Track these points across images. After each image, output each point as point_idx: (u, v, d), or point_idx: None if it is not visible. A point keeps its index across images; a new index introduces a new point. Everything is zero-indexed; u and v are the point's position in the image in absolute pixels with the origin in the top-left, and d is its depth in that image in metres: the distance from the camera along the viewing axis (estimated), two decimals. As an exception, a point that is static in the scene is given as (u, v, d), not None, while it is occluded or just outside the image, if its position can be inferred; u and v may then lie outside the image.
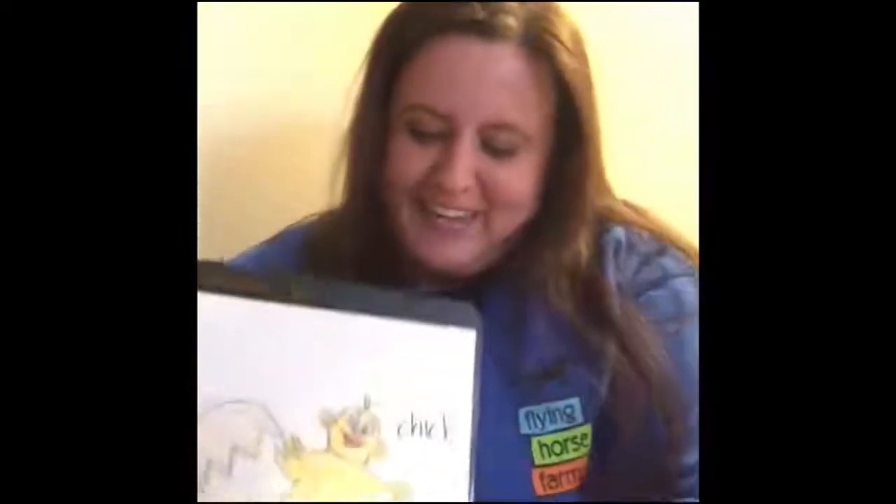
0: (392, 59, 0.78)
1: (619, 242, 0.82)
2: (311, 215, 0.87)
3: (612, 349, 0.78)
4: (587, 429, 0.80)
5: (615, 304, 0.79)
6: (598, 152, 0.81)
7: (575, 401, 0.79)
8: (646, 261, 0.82)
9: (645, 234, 0.83)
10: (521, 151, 0.77)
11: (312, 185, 0.83)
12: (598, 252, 0.81)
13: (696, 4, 0.60)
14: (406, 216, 0.78)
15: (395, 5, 0.80)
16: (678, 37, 1.01)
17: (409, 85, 0.77)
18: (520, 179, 0.77)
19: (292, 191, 0.86)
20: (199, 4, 0.62)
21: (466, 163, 0.75)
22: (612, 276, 0.80)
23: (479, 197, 0.77)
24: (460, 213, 0.77)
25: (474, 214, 0.77)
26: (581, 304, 0.80)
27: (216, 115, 0.96)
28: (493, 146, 0.76)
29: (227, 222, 0.95)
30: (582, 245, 0.80)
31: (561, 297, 0.79)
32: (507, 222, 0.78)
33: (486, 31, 0.74)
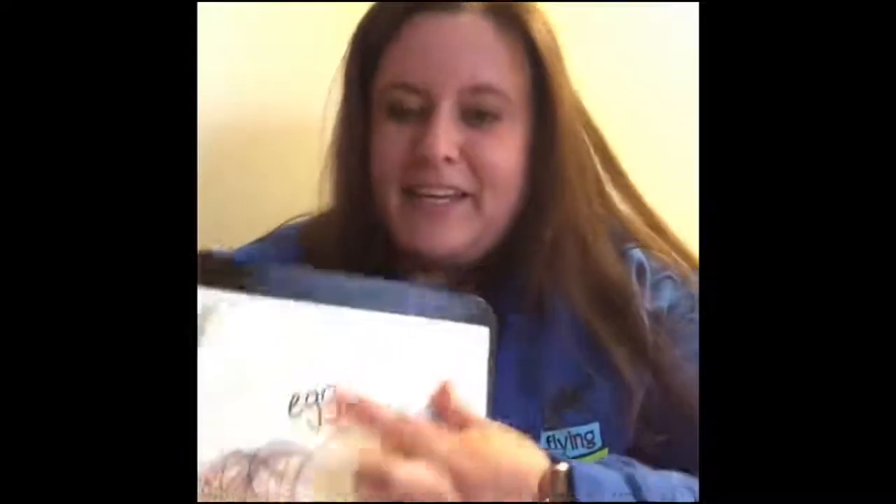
0: (366, 52, 0.78)
1: (640, 264, 0.81)
2: (304, 214, 0.87)
3: (640, 369, 0.78)
4: (604, 453, 0.79)
5: (645, 325, 0.79)
6: (573, 126, 0.80)
7: (595, 426, 0.79)
8: (674, 286, 0.81)
9: (663, 257, 0.82)
10: (503, 119, 0.76)
11: (309, 183, 0.83)
12: (625, 270, 0.80)
13: (696, 4, 0.60)
14: (394, 204, 0.77)
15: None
16: (678, 38, 1.01)
17: (384, 70, 0.77)
18: (506, 152, 0.76)
19: (290, 188, 0.86)
20: (199, 4, 0.62)
21: (445, 131, 0.74)
22: (638, 297, 0.80)
23: (466, 173, 0.76)
24: (448, 192, 0.76)
25: (463, 195, 0.76)
26: (609, 320, 0.79)
27: (215, 114, 0.96)
28: (476, 110, 0.75)
29: (224, 220, 0.95)
30: (597, 248, 0.79)
31: (583, 305, 0.78)
32: (498, 202, 0.77)
33: (453, 6, 0.76)
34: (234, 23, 0.99)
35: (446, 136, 0.74)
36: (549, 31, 0.79)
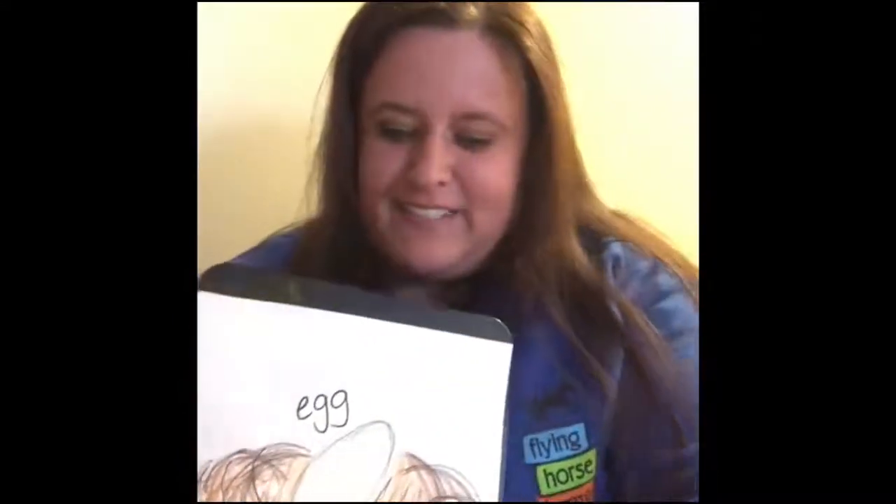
0: (356, 60, 0.77)
1: (616, 258, 0.80)
2: (296, 223, 0.86)
3: (618, 366, 0.77)
4: (592, 454, 0.78)
5: (619, 317, 0.77)
6: (569, 143, 0.79)
7: (580, 427, 0.77)
8: (642, 279, 0.80)
9: (640, 250, 0.81)
10: (496, 143, 0.75)
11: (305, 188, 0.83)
12: (599, 268, 0.79)
13: (696, 4, 0.60)
14: (384, 220, 0.76)
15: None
16: (678, 39, 1.01)
17: (376, 84, 0.75)
18: (498, 173, 0.75)
19: (291, 189, 0.85)
20: (199, 5, 0.62)
21: (439, 156, 0.73)
22: (611, 292, 0.78)
23: (457, 193, 0.75)
24: (440, 212, 0.75)
25: (455, 212, 0.75)
26: (585, 322, 0.78)
27: (216, 115, 0.96)
28: (468, 138, 0.74)
29: (224, 220, 0.95)
30: (570, 251, 0.79)
31: (559, 314, 0.77)
32: (490, 220, 0.76)
33: (449, 20, 0.73)
34: (235, 23, 1.00)
35: (439, 162, 0.73)
36: (547, 46, 0.77)
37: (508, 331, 0.65)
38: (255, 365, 0.63)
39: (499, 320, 0.65)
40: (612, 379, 0.77)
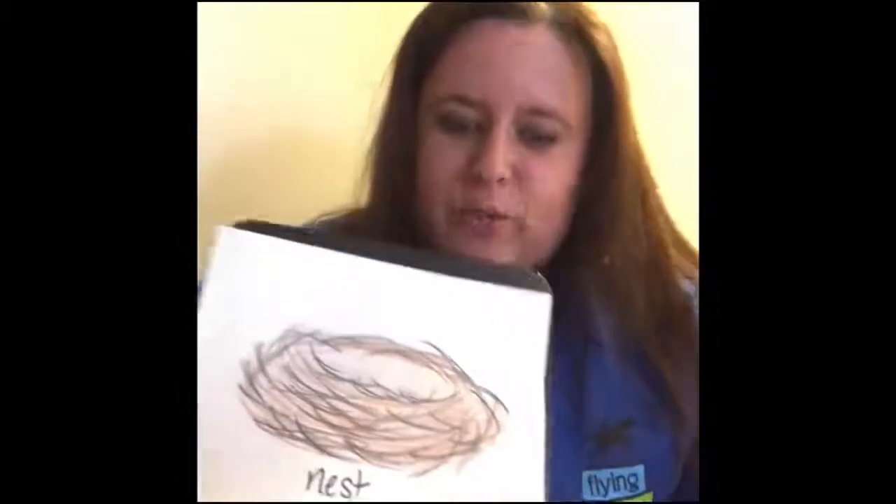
0: (420, 54, 0.75)
1: (689, 297, 0.79)
2: (330, 213, 0.84)
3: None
4: (649, 496, 0.77)
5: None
6: (635, 146, 0.77)
7: (640, 469, 0.77)
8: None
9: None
10: (558, 143, 0.73)
11: (313, 186, 0.83)
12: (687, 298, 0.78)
13: (696, 5, 0.60)
14: (439, 217, 0.74)
15: (405, 6, 0.78)
16: (678, 40, 1.01)
17: (440, 78, 0.74)
18: (556, 177, 0.73)
19: (294, 191, 0.85)
20: (199, 5, 0.62)
21: (503, 151, 0.71)
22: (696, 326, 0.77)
23: (514, 196, 0.72)
24: (494, 213, 0.73)
25: (506, 217, 0.73)
26: (671, 347, 0.77)
27: (216, 119, 0.96)
28: (532, 134, 0.72)
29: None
30: (664, 259, 0.78)
31: (640, 333, 0.77)
32: (541, 227, 0.74)
33: (518, 14, 0.72)
34: (235, 23, 1.00)
35: (504, 157, 0.71)
36: (614, 47, 0.76)
37: (546, 282, 0.62)
38: (288, 307, 0.61)
39: (536, 272, 0.63)
40: (691, 413, 0.76)
